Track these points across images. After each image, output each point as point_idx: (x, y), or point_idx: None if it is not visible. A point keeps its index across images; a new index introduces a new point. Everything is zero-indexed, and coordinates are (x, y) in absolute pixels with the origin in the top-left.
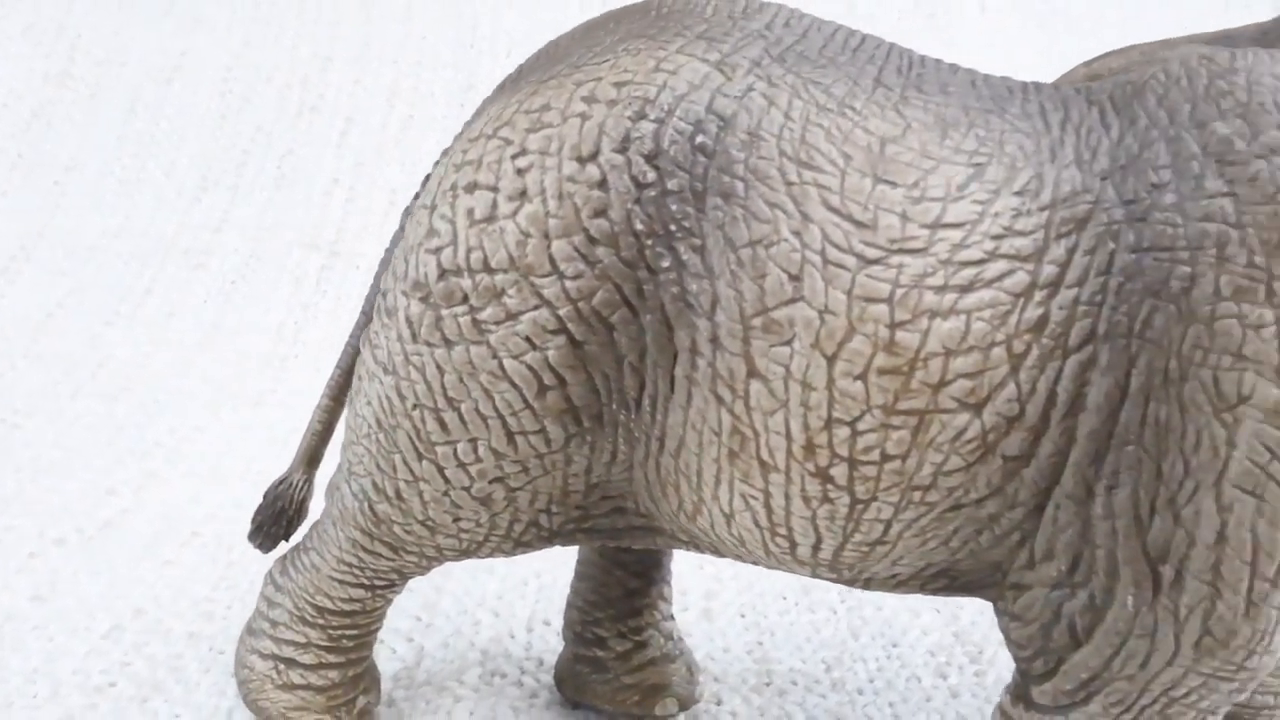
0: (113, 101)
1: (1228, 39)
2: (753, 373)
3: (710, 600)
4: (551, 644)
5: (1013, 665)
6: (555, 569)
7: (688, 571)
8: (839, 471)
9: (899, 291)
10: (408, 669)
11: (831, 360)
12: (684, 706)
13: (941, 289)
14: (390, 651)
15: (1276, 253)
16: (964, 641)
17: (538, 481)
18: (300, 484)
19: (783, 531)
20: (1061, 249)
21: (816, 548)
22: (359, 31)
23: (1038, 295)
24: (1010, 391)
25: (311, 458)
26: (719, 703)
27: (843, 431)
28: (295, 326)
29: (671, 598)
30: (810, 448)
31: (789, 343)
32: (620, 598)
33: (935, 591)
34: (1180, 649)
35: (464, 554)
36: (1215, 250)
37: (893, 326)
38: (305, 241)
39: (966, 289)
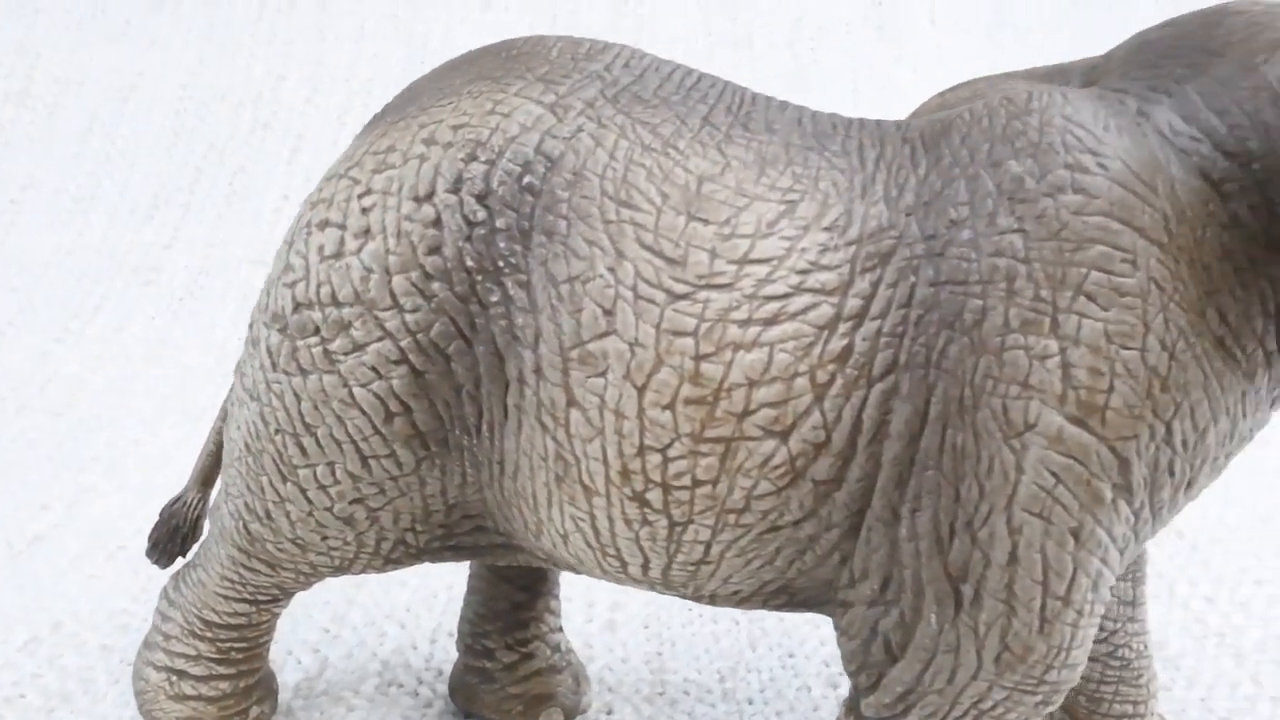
0: (70, 120)
1: (1062, 73)
2: (571, 402)
3: (616, 611)
4: (453, 655)
5: None
6: (465, 582)
7: (596, 583)
8: (654, 496)
9: (704, 325)
10: (309, 679)
11: (641, 390)
12: (569, 717)
13: (745, 322)
14: (295, 662)
15: (1060, 286)
16: None
17: (397, 502)
18: (194, 502)
19: (611, 551)
20: (866, 283)
21: (645, 567)
22: (312, 50)
23: (842, 327)
24: (816, 419)
25: (205, 478)
26: (609, 712)
27: (655, 458)
28: (240, 343)
29: (560, 611)
30: (625, 473)
31: (603, 374)
32: (507, 610)
33: (778, 608)
34: (982, 664)
35: (338, 570)
36: (1005, 284)
37: (697, 359)
38: (254, 258)
39: (770, 322)
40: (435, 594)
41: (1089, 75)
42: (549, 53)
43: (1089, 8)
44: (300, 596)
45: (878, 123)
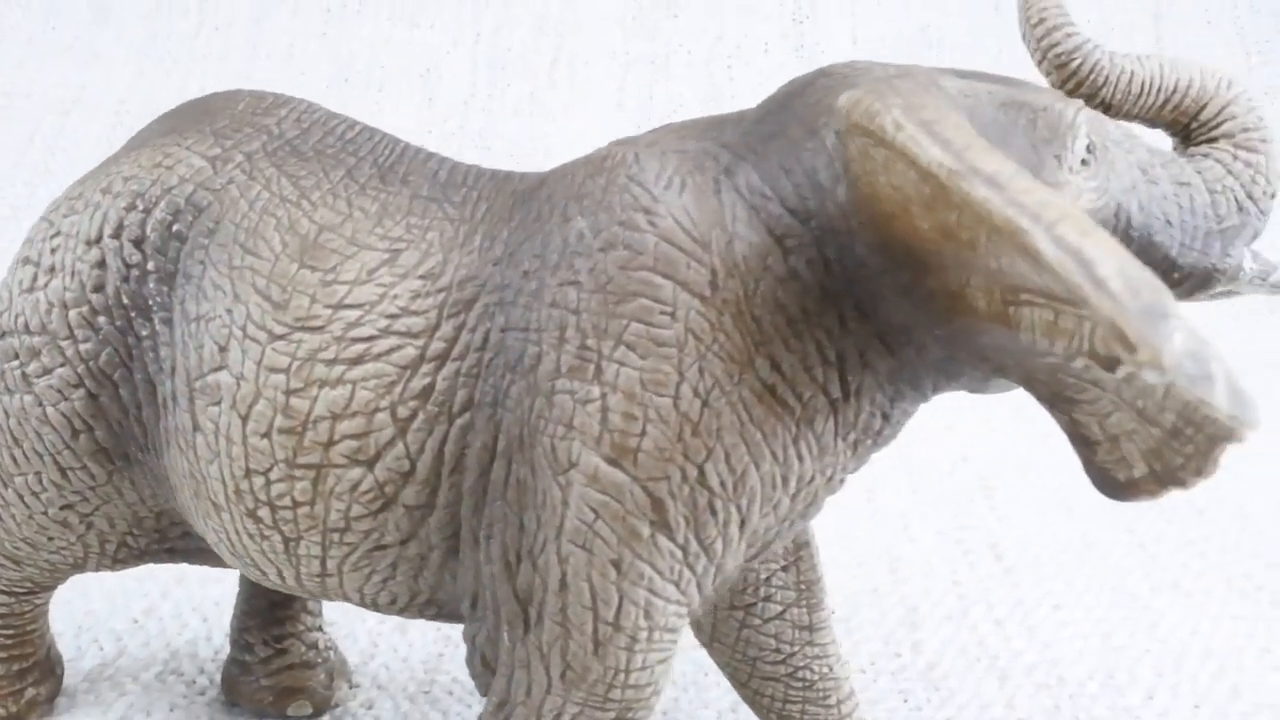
0: (14, 132)
1: (718, 125)
2: (196, 427)
3: None
4: None
5: None
6: None
7: None
8: (264, 514)
9: (295, 364)
10: (103, 665)
11: (245, 420)
12: (318, 710)
13: (332, 362)
14: (98, 649)
15: (604, 336)
16: None
17: (105, 509)
18: None
19: (249, 561)
20: (450, 327)
21: (281, 575)
22: (243, 67)
23: (425, 367)
24: (399, 450)
25: None
26: (370, 707)
27: (259, 480)
28: None
29: (320, 611)
30: (239, 492)
31: (218, 403)
32: (266, 608)
33: (435, 619)
34: (551, 681)
35: (76, 568)
36: (558, 332)
37: (288, 393)
38: None
39: (355, 362)
40: None
41: (739, 124)
42: (235, 107)
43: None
44: (121, 586)
45: (507, 175)
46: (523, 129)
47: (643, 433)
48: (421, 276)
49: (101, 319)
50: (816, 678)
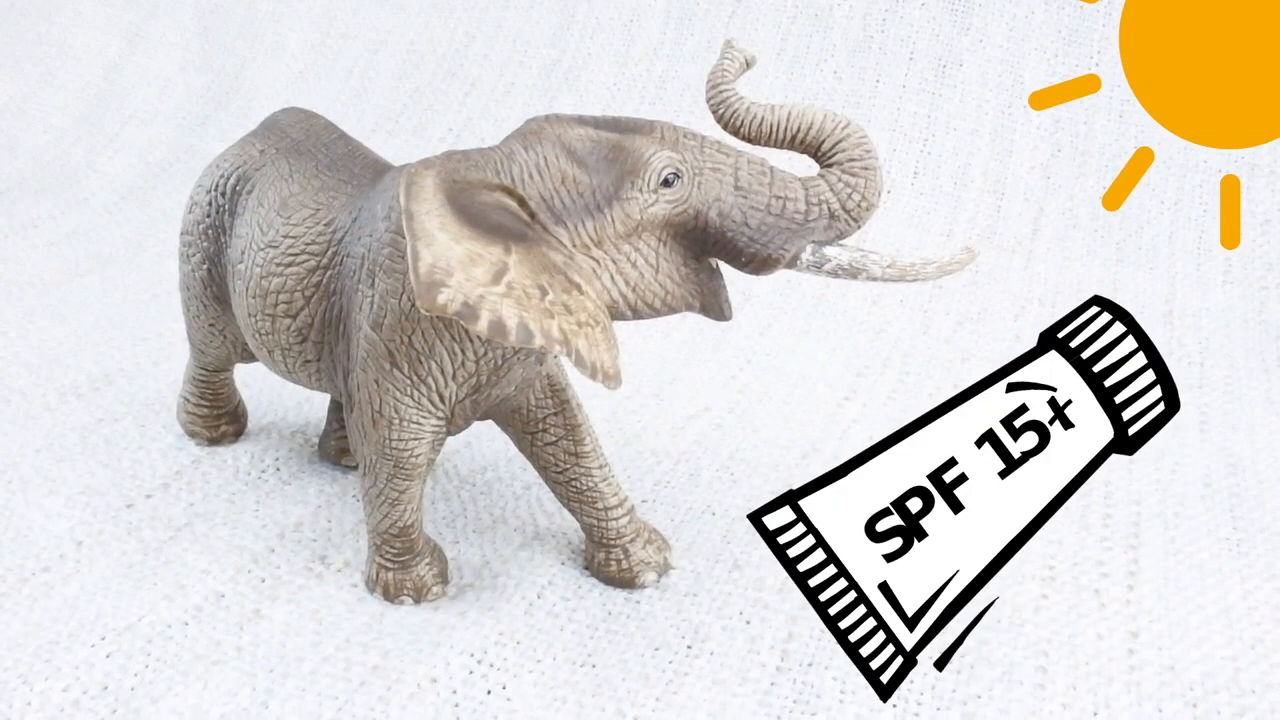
0: (338, 65)
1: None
2: (234, 288)
3: None
4: None
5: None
6: None
7: None
8: (256, 337)
9: (266, 263)
10: (274, 421)
11: (246, 289)
12: None
13: (280, 264)
14: (275, 413)
15: (376, 264)
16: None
17: (230, 327)
18: None
19: (269, 362)
20: (331, 252)
21: (278, 370)
22: (494, 16)
23: (318, 271)
24: (307, 311)
25: None
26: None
27: (252, 319)
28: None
29: None
30: (245, 324)
31: (240, 278)
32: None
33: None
34: (360, 438)
35: (229, 359)
36: (360, 260)
37: (261, 278)
38: None
39: (289, 265)
40: None
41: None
42: (283, 120)
43: None
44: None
45: (386, 164)
46: (695, 74)
47: (385, 316)
48: (325, 224)
49: (210, 231)
50: (585, 488)
